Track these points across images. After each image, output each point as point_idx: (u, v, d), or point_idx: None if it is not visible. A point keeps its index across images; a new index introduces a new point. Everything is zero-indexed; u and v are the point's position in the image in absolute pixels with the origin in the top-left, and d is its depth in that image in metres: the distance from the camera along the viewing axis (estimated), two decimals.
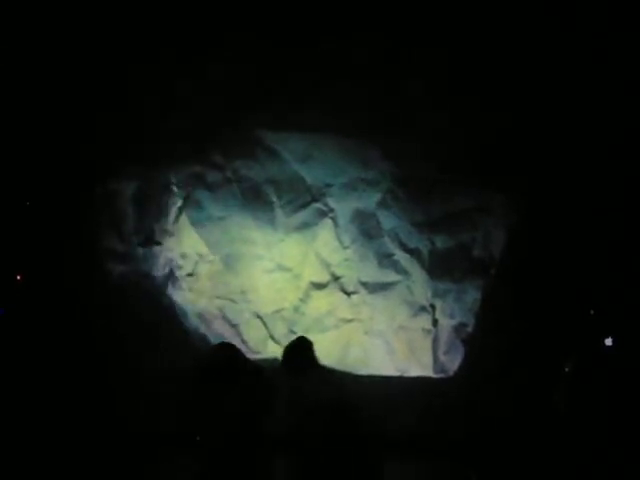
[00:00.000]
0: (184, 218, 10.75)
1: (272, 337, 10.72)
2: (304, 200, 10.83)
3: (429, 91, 10.03)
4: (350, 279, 10.78)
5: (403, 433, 9.35)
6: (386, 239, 10.73)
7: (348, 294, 10.78)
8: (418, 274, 10.64)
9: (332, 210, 10.80)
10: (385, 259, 10.75)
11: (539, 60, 9.78)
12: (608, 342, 8.69)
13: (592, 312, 9.12)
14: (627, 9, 9.34)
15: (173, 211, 10.70)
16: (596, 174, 9.70)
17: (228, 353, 5.62)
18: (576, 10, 9.45)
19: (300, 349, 5.74)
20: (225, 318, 10.70)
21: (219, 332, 10.62)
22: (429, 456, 8.80)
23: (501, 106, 9.86)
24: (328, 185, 10.76)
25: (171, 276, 10.70)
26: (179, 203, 10.71)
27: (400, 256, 10.70)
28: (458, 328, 10.46)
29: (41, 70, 9.97)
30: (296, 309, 10.78)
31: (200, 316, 10.71)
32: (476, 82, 9.88)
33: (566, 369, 5.80)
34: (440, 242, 10.60)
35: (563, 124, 9.80)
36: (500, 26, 9.76)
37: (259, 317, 10.74)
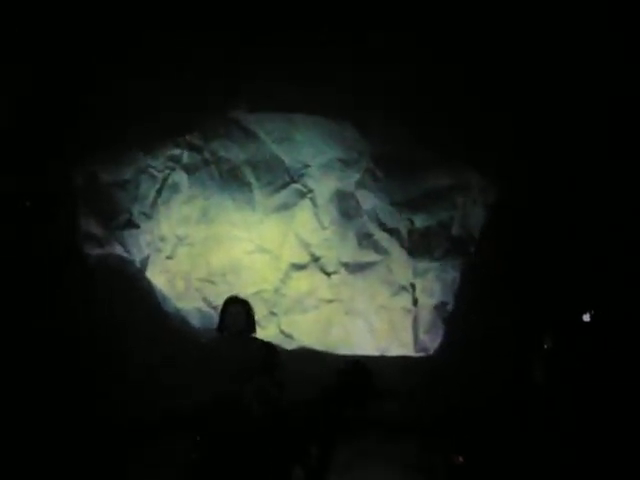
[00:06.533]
0: (162, 200, 10.68)
1: None
2: (283, 181, 10.80)
3: (409, 70, 10.00)
4: (330, 259, 10.79)
5: (385, 413, 9.41)
6: (365, 219, 10.74)
7: (328, 274, 10.78)
8: (398, 254, 10.67)
9: (311, 191, 10.79)
10: (365, 239, 10.76)
11: (520, 43, 9.79)
12: (586, 318, 8.75)
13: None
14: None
15: (151, 194, 10.62)
16: (577, 152, 9.73)
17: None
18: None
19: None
20: (205, 300, 10.66)
21: (199, 314, 10.61)
22: (411, 436, 8.84)
23: (483, 86, 9.87)
24: (307, 166, 10.74)
25: (150, 259, 10.65)
26: (157, 185, 10.65)
27: (380, 236, 10.72)
28: (438, 307, 10.50)
29: (20, 49, 9.80)
30: (276, 290, 10.78)
31: (180, 298, 10.66)
32: (458, 63, 9.87)
33: (545, 346, 5.86)
34: (419, 221, 10.62)
35: (544, 102, 9.82)
36: (484, 13, 9.77)
37: None
